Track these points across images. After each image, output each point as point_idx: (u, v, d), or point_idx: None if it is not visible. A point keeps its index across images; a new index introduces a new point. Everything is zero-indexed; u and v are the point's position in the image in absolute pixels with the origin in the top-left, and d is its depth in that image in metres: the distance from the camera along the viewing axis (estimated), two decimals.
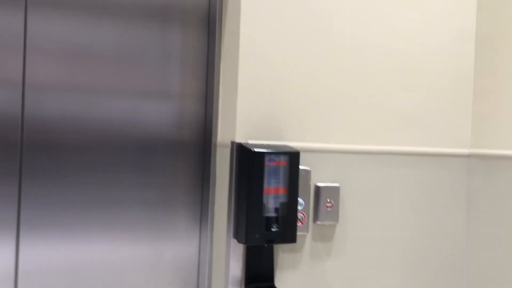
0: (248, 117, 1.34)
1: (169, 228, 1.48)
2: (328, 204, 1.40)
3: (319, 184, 1.41)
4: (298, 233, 1.33)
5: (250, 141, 1.33)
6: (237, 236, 1.31)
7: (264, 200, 1.27)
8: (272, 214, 1.28)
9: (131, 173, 1.43)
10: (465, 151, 1.60)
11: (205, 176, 1.51)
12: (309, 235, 1.40)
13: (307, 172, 1.38)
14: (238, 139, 1.33)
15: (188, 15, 1.50)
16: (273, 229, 1.27)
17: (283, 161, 1.29)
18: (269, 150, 1.28)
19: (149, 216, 1.44)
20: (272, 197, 1.28)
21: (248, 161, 1.28)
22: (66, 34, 1.37)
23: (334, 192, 1.42)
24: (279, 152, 1.29)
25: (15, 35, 1.31)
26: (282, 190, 1.29)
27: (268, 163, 1.27)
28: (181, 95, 1.50)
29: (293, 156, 1.30)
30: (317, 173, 1.40)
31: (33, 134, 1.33)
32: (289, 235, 1.30)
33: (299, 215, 1.34)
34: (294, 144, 1.36)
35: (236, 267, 1.33)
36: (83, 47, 1.38)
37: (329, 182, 1.42)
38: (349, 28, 1.43)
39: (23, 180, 1.31)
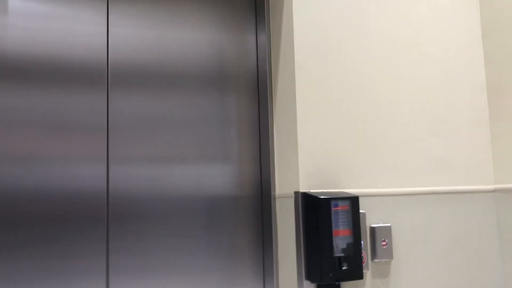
0: (308, 169, 1.52)
1: (234, 276, 1.61)
2: (383, 243, 1.56)
3: (374, 225, 1.57)
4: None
5: (312, 191, 1.51)
6: (309, 276, 1.45)
7: (334, 242, 1.42)
8: (341, 254, 1.43)
9: (200, 229, 1.58)
10: (490, 187, 1.80)
11: (264, 226, 1.66)
12: (369, 272, 1.55)
13: (363, 215, 1.55)
14: (302, 189, 1.50)
15: (240, 82, 1.71)
16: (344, 268, 1.42)
17: (345, 205, 1.46)
18: (334, 196, 1.45)
19: (216, 266, 1.58)
20: (340, 238, 1.43)
21: (315, 208, 1.44)
22: (142, 109, 1.56)
23: (387, 231, 1.58)
24: (342, 198, 1.46)
25: (99, 113, 1.49)
26: (347, 232, 1.45)
27: (334, 208, 1.44)
28: (239, 156, 1.68)
29: (354, 201, 1.47)
30: (370, 215, 1.57)
31: (117, 206, 1.49)
32: (357, 272, 1.45)
33: None
34: (348, 190, 1.55)
35: None
36: (156, 120, 1.57)
37: (381, 223, 1.59)
38: (387, 88, 1.66)
39: (110, 251, 1.45)
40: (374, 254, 1.56)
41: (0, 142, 1.37)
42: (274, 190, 1.66)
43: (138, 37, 1.58)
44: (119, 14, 1.57)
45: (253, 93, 1.73)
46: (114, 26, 1.55)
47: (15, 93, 1.40)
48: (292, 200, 1.53)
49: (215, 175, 1.63)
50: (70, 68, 1.48)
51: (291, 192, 1.54)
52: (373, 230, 1.57)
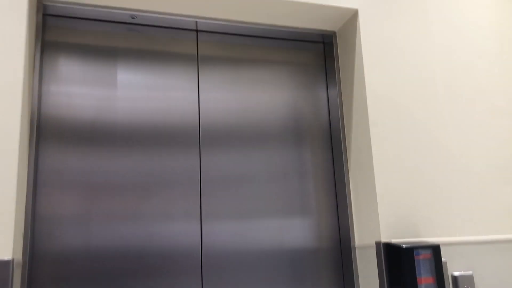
0: (388, 220, 1.60)
1: None
2: None
3: (455, 273, 1.61)
4: None
5: (393, 240, 1.58)
6: None
7: None
8: None
9: (283, 280, 1.66)
10: None
11: (345, 276, 1.73)
12: None
13: (444, 263, 1.59)
14: (383, 239, 1.57)
15: (314, 136, 1.83)
16: None
17: (428, 254, 1.51)
18: (416, 245, 1.51)
19: None
20: (424, 286, 1.48)
21: (399, 257, 1.51)
22: (229, 167, 1.70)
23: (469, 279, 1.61)
24: (424, 246, 1.52)
25: (192, 172, 1.65)
26: (431, 280, 1.50)
27: (417, 257, 1.50)
28: (317, 209, 1.78)
29: (436, 249, 1.53)
30: (451, 263, 1.62)
31: (209, 259, 1.61)
32: None
33: None
34: (427, 239, 1.60)
35: None
36: (241, 176, 1.71)
37: (462, 271, 1.62)
38: (458, 138, 1.74)
39: None
40: None
41: (110, 203, 1.54)
42: (354, 241, 1.73)
43: (224, 100, 1.75)
44: (208, 81, 1.75)
45: (327, 146, 1.85)
46: (204, 92, 1.73)
47: (122, 158, 1.58)
48: (373, 250, 1.60)
49: (295, 228, 1.74)
50: (167, 132, 1.65)
51: (372, 242, 1.62)
52: (455, 278, 1.60)
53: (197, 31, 1.78)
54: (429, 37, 1.79)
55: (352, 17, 1.77)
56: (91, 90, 1.60)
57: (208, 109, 1.73)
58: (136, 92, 1.65)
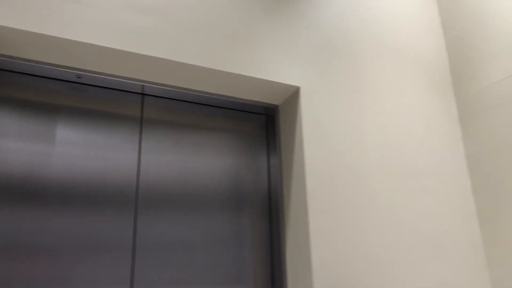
0: None
1: None
2: None
3: None
4: None
5: None
6: None
7: None
8: None
9: None
10: None
11: None
12: None
13: None
14: None
15: (253, 204, 1.85)
16: None
17: None
18: None
19: None
20: None
21: None
22: (166, 232, 1.66)
23: None
24: None
25: (126, 237, 1.59)
26: None
27: None
28: (253, 278, 1.75)
29: None
30: None
31: None
32: None
33: None
34: None
35: None
36: (177, 243, 1.67)
37: None
38: (391, 215, 1.82)
39: None
40: None
41: (35, 267, 1.44)
42: None
43: (165, 164, 1.74)
44: (150, 144, 1.75)
45: (265, 215, 1.87)
46: (145, 154, 1.72)
47: (52, 218, 1.51)
48: None
49: None
50: (104, 193, 1.60)
51: None
52: None
53: (143, 94, 1.80)
54: (364, 118, 1.92)
55: (294, 93, 1.87)
56: (27, 146, 1.54)
57: (148, 171, 1.71)
58: (74, 150, 1.61)
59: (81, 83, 1.69)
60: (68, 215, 1.53)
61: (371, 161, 1.86)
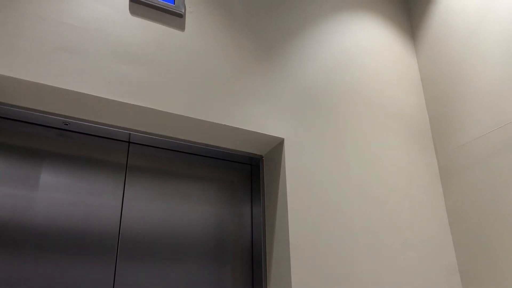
0: None
1: None
2: None
3: None
4: None
5: None
6: None
7: None
8: None
9: None
10: None
11: None
12: None
13: None
14: None
15: (236, 253, 1.84)
16: None
17: None
18: None
19: None
20: None
21: None
22: (146, 281, 1.64)
23: None
24: None
25: (106, 284, 1.57)
26: None
27: None
28: None
29: None
30: None
31: None
32: None
33: None
34: None
35: None
36: None
37: None
38: (372, 270, 1.81)
39: None
40: None
41: None
42: None
43: (149, 211, 1.74)
44: (134, 191, 1.75)
45: (248, 266, 1.86)
46: (128, 201, 1.72)
47: (31, 264, 1.48)
48: None
49: None
50: (85, 239, 1.59)
51: None
52: None
53: (129, 142, 1.82)
54: (346, 171, 1.95)
55: (278, 144, 1.91)
56: (10, 190, 1.54)
57: (131, 218, 1.70)
58: (57, 195, 1.61)
59: (68, 130, 1.71)
60: (48, 262, 1.51)
61: (353, 213, 1.88)
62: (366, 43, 2.37)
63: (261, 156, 2.03)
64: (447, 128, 2.23)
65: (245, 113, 1.83)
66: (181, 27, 1.84)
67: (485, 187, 1.98)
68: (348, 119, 2.07)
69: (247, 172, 2.05)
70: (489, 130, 2.01)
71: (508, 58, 1.98)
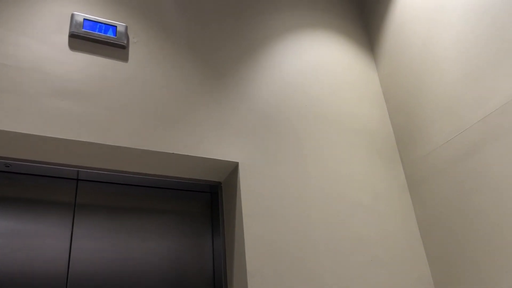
0: None
1: None
2: None
3: None
4: None
5: None
6: None
7: None
8: None
9: None
10: None
11: None
12: None
13: None
14: None
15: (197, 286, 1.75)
16: None
17: None
18: None
19: None
20: None
21: None
22: None
23: None
24: None
25: None
26: None
27: None
28: None
29: None
30: None
31: None
32: None
33: None
34: None
35: None
36: None
37: None
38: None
39: None
40: None
41: None
42: None
43: (100, 250, 1.67)
44: (83, 230, 1.68)
45: None
46: (77, 241, 1.65)
47: None
48: None
49: None
50: (33, 283, 1.51)
51: None
52: None
53: (77, 180, 1.77)
54: (307, 190, 1.89)
55: (234, 169, 1.85)
56: None
57: (80, 259, 1.63)
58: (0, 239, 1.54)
59: (10, 172, 1.66)
60: None
61: (316, 235, 1.80)
62: (324, 61, 2.35)
63: (220, 183, 1.97)
64: (411, 138, 2.19)
65: (195, 139, 1.78)
66: (125, 58, 1.82)
67: (452, 194, 1.92)
68: (306, 138, 2.03)
69: (207, 201, 1.99)
70: (451, 137, 1.96)
71: (462, 62, 1.96)
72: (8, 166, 1.63)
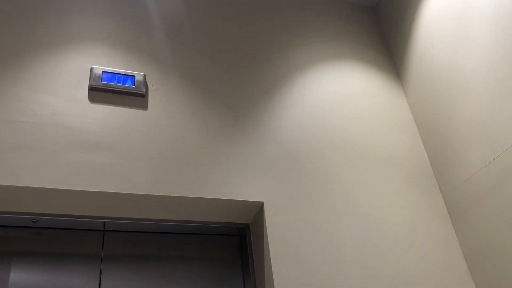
0: None
1: None
2: None
3: None
4: None
5: None
6: None
7: None
8: None
9: None
10: None
11: None
12: None
13: None
14: None
15: None
16: None
17: None
18: None
19: None
20: None
21: None
22: None
23: None
24: None
25: None
26: None
27: None
28: None
29: None
30: None
31: None
32: None
33: None
34: None
35: None
36: None
37: None
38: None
39: None
40: None
41: None
42: None
43: None
44: (111, 282, 1.65)
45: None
46: None
47: None
48: None
49: None
50: None
51: None
52: None
53: (104, 231, 1.76)
54: (338, 228, 1.78)
55: (259, 210, 1.79)
56: None
57: None
58: None
59: (36, 227, 1.67)
60: None
61: (350, 276, 1.69)
62: (349, 91, 2.28)
63: (248, 225, 1.91)
64: (448, 164, 2.06)
65: (218, 182, 1.74)
66: (144, 106, 1.83)
67: (498, 221, 1.77)
68: (334, 173, 1.94)
69: (236, 245, 1.92)
70: (490, 159, 1.83)
71: (493, 81, 1.84)
72: (35, 222, 1.64)
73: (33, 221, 1.64)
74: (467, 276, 1.85)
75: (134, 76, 1.86)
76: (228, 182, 1.76)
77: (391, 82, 2.45)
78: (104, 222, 1.72)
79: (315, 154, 1.97)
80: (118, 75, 1.84)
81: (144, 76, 1.88)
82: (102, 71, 1.81)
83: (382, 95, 2.36)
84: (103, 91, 1.80)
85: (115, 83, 1.81)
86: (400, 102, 2.37)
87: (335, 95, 2.23)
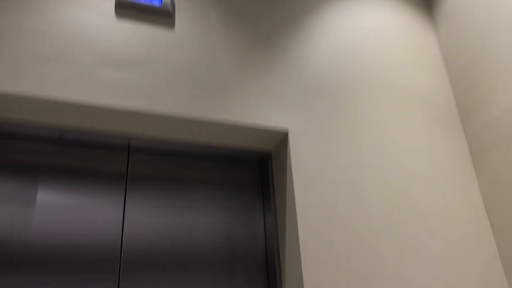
0: None
1: None
2: None
3: None
4: None
5: None
6: None
7: None
8: None
9: None
10: None
11: None
12: None
13: None
14: None
15: (249, 263, 1.72)
16: None
17: None
18: None
19: None
20: None
21: None
22: None
23: None
24: None
25: None
26: None
27: None
28: None
29: None
30: None
31: None
32: None
33: None
34: None
35: None
36: None
37: None
38: (395, 261, 1.64)
39: None
40: None
41: None
42: None
43: (152, 223, 1.66)
44: (136, 202, 1.68)
45: (262, 277, 1.73)
46: (130, 214, 1.65)
47: (30, 284, 1.44)
48: None
49: None
50: (85, 256, 1.53)
51: None
52: None
53: (128, 150, 1.77)
54: (361, 160, 1.79)
55: (284, 138, 1.79)
56: (5, 208, 1.52)
57: (133, 232, 1.63)
58: (55, 212, 1.57)
59: (62, 143, 1.68)
60: (47, 281, 1.46)
61: (370, 205, 1.72)
62: (378, 24, 2.21)
63: (269, 152, 1.92)
64: (474, 104, 2.03)
65: (243, 107, 1.73)
66: (171, 27, 1.78)
67: None
68: (360, 106, 1.92)
69: (256, 172, 1.94)
70: None
71: None
72: (62, 136, 1.65)
73: (60, 135, 1.65)
74: (483, 215, 1.88)
75: None
76: (255, 107, 1.74)
77: (421, 18, 2.37)
78: (129, 140, 1.72)
79: (342, 86, 1.94)
80: None
81: None
82: None
83: (412, 31, 2.29)
84: (129, 7, 1.74)
85: (142, 1, 1.75)
86: (429, 39, 2.31)
87: (364, 28, 2.16)
